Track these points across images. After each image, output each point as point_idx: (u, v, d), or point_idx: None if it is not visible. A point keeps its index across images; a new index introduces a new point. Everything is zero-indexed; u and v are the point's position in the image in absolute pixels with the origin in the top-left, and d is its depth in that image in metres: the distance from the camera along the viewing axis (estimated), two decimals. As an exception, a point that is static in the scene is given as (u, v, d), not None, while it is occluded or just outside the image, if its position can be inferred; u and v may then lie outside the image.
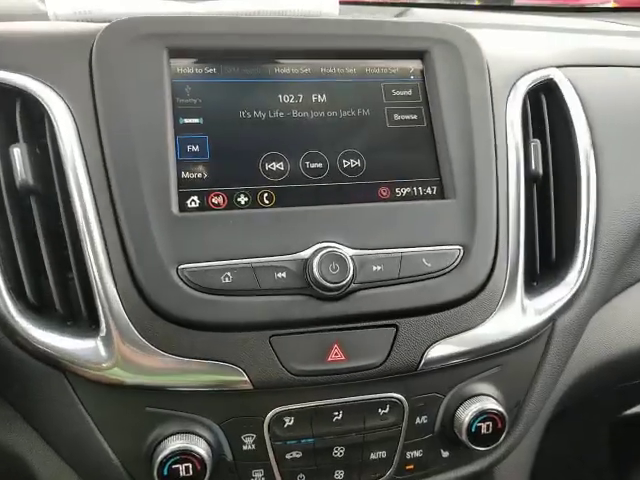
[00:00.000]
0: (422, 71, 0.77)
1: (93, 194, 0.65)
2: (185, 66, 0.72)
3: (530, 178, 0.78)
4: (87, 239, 0.64)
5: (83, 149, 0.66)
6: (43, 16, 0.93)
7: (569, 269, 0.77)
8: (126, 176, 0.65)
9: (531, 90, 0.82)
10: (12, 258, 0.65)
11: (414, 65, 0.78)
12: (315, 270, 0.64)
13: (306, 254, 0.66)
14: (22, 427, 0.70)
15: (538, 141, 0.80)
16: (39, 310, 0.65)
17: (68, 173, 0.65)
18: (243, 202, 0.69)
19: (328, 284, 0.64)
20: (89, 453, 0.66)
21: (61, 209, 0.66)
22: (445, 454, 0.74)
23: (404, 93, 0.77)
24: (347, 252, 0.66)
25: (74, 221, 0.65)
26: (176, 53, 0.71)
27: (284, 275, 0.65)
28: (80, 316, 0.65)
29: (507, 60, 0.83)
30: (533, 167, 0.78)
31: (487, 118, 0.77)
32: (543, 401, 0.80)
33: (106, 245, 0.64)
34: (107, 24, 0.70)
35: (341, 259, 0.65)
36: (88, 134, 0.66)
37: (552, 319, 0.76)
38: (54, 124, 0.66)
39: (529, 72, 0.83)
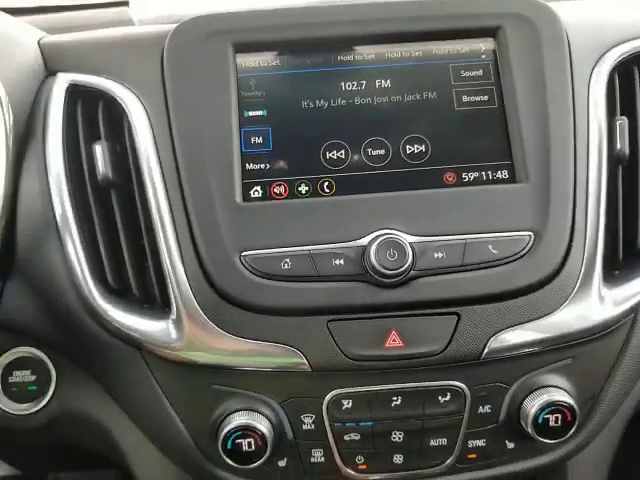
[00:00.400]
0: (494, 50, 0.75)
1: (165, 187, 0.70)
2: (250, 60, 0.75)
3: (615, 159, 0.73)
4: (160, 229, 0.69)
5: (156, 145, 0.71)
6: (131, 22, 1.01)
7: None
8: (194, 169, 0.70)
9: (621, 63, 0.76)
10: (95, 247, 0.71)
11: (486, 44, 0.75)
12: (372, 257, 0.65)
13: (364, 241, 0.66)
14: (106, 401, 0.76)
15: (625, 119, 0.74)
16: (119, 294, 0.71)
17: (143, 168, 0.71)
18: (304, 191, 0.71)
19: (385, 271, 0.65)
20: (162, 425, 0.72)
21: (137, 201, 0.71)
22: (510, 445, 0.72)
23: (474, 74, 0.75)
24: (406, 239, 0.66)
25: (148, 212, 0.70)
26: (241, 48, 0.74)
27: (342, 262, 0.66)
28: (154, 300, 0.70)
29: (593, 32, 0.78)
30: (619, 147, 0.73)
31: (565, 96, 0.73)
32: (622, 397, 0.75)
33: (177, 234, 0.68)
34: (176, 25, 0.75)
35: (399, 245, 0.65)
36: (161, 131, 0.71)
37: (633, 310, 0.71)
38: (131, 123, 0.72)
39: (620, 44, 0.77)
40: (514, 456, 0.73)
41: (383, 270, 0.65)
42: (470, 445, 0.71)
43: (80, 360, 0.75)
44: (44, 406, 0.76)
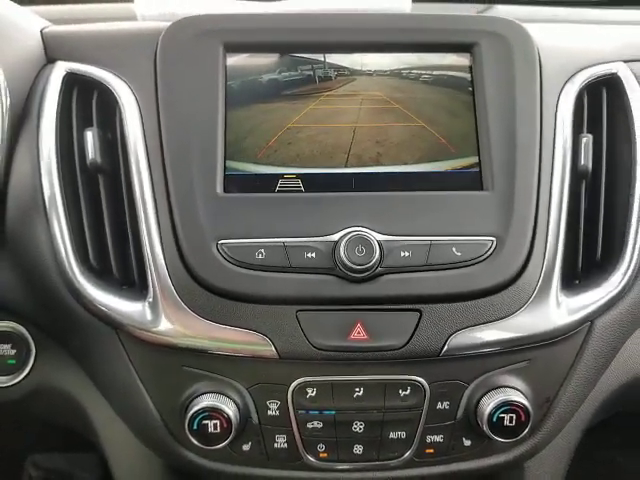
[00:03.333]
0: (469, 66, 0.79)
1: (150, 175, 0.73)
2: (239, 60, 0.78)
3: (579, 174, 0.77)
4: (142, 214, 0.72)
5: (145, 135, 0.74)
6: (135, 18, 1.05)
7: (614, 270, 0.74)
8: (179, 159, 0.73)
9: (590, 85, 0.80)
10: (80, 229, 0.74)
11: (462, 59, 0.79)
12: (342, 252, 0.68)
13: (335, 237, 0.70)
14: (82, 378, 0.79)
15: (590, 136, 0.77)
16: (100, 275, 0.74)
17: (131, 156, 0.74)
18: (281, 187, 0.74)
19: (354, 266, 0.68)
20: (134, 404, 0.75)
21: (123, 187, 0.74)
22: (467, 443, 0.75)
23: (449, 86, 0.79)
24: (375, 237, 0.69)
25: (133, 198, 0.73)
26: (231, 48, 0.78)
27: (313, 255, 0.69)
28: (133, 282, 0.74)
29: (565, 53, 0.82)
30: (582, 162, 0.76)
31: (534, 111, 0.76)
32: (578, 403, 0.78)
33: (158, 220, 0.72)
34: (171, 22, 0.78)
35: (368, 243, 0.68)
36: (150, 122, 0.75)
37: (588, 319, 0.74)
38: (122, 112, 0.75)
39: (590, 66, 0.81)
40: (471, 454, 0.76)
41: (352, 265, 0.68)
42: (428, 440, 0.74)
43: (59, 336, 0.78)
44: (22, 379, 0.79)
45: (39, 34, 0.84)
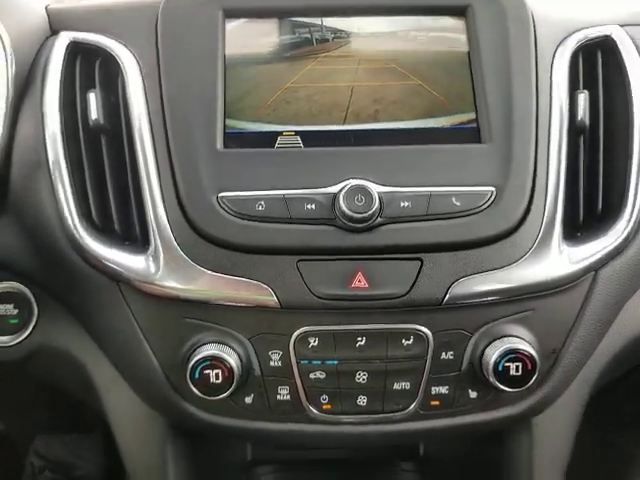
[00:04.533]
0: (463, 28, 0.80)
1: (152, 134, 0.74)
2: (238, 25, 0.80)
3: (577, 129, 0.77)
4: (144, 170, 0.73)
5: (147, 96, 0.76)
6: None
7: (616, 220, 0.74)
8: (180, 118, 0.74)
9: (585, 47, 0.81)
10: (83, 188, 0.75)
11: (456, 21, 0.80)
12: (342, 202, 0.68)
13: (335, 189, 0.70)
14: (84, 337, 0.79)
15: (586, 92, 0.78)
16: (102, 231, 0.74)
17: (132, 115, 0.75)
18: (280, 143, 0.75)
19: (353, 214, 0.68)
20: (135, 358, 0.74)
21: (125, 145, 0.76)
22: (473, 394, 0.74)
23: (444, 47, 0.80)
24: (375, 188, 0.69)
25: (134, 155, 0.74)
26: (230, 13, 0.79)
27: (313, 207, 0.70)
28: (135, 237, 0.74)
29: (559, 16, 0.84)
30: (579, 117, 0.77)
31: (529, 70, 0.77)
32: (585, 355, 0.77)
33: (159, 176, 0.72)
34: None
35: (367, 192, 0.68)
36: (151, 83, 0.76)
37: (591, 269, 0.74)
38: (125, 75, 0.77)
39: (583, 29, 0.82)
40: (477, 406, 0.74)
41: (351, 214, 0.68)
42: (433, 391, 0.73)
43: (61, 294, 0.78)
44: (24, 339, 0.80)
45: (44, 10, 0.86)
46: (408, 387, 0.72)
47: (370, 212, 0.68)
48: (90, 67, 0.79)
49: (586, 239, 0.74)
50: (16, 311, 0.79)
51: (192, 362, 0.69)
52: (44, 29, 0.83)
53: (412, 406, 0.73)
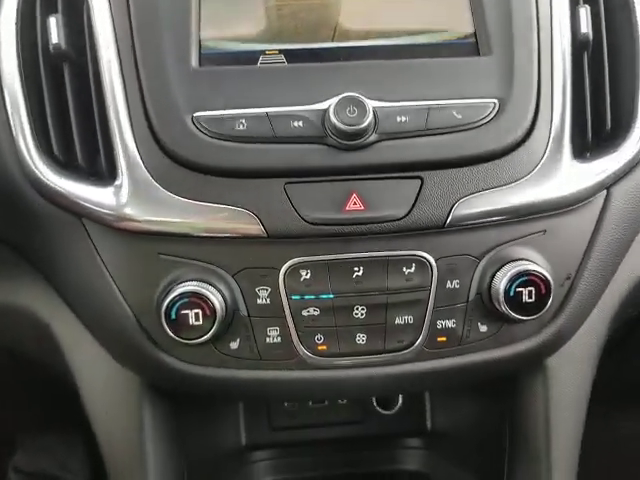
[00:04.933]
0: None
1: (119, 57, 0.67)
2: None
3: (580, 44, 0.72)
4: (110, 95, 0.66)
5: (113, 17, 0.68)
6: None
7: (626, 136, 0.69)
8: (149, 37, 0.67)
9: None
10: (43, 120, 0.67)
11: None
12: (332, 114, 0.61)
13: (324, 105, 0.63)
14: (46, 292, 0.72)
15: (587, 7, 0.73)
16: (65, 167, 0.66)
17: (98, 38, 0.68)
18: (264, 61, 0.68)
19: (346, 128, 0.61)
20: (104, 307, 0.67)
21: (89, 68, 0.68)
22: (483, 328, 0.67)
23: None
24: (369, 102, 0.63)
25: (99, 82, 0.67)
26: None
27: (301, 124, 0.63)
28: (101, 172, 0.66)
29: None
30: (583, 32, 0.71)
31: None
32: (601, 282, 0.71)
33: (127, 100, 0.65)
34: None
35: (360, 103, 0.62)
36: (118, 4, 0.69)
37: (603, 185, 0.68)
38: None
39: None
40: (487, 342, 0.68)
41: (343, 127, 0.61)
42: (439, 326, 0.66)
43: (20, 240, 0.71)
44: None
45: None
46: (411, 321, 0.65)
47: (364, 125, 0.61)
48: None
49: (596, 156, 0.69)
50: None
51: (168, 299, 0.62)
52: None
53: (417, 343, 0.66)
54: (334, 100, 0.62)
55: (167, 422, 0.78)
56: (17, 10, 0.69)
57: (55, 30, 0.68)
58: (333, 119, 0.61)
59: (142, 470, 0.75)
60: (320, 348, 0.65)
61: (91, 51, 0.69)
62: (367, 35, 0.70)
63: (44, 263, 0.71)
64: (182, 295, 0.62)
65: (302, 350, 0.65)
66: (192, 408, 0.91)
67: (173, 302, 0.62)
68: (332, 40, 0.70)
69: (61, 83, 0.69)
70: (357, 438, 1.08)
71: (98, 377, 0.75)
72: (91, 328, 0.71)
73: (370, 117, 0.61)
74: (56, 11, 0.70)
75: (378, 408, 1.09)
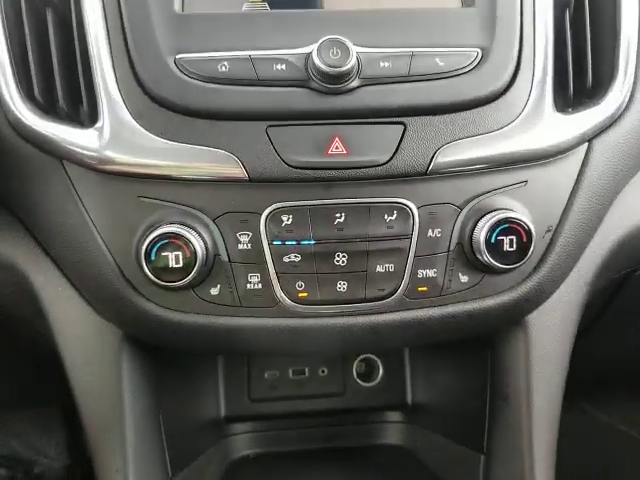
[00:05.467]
0: None
1: (102, 2, 0.66)
2: None
3: (562, 3, 0.72)
4: (93, 38, 0.65)
5: None
6: None
7: (606, 92, 0.70)
8: None
9: None
10: (24, 63, 0.66)
11: None
12: (315, 57, 0.61)
13: (308, 49, 0.63)
14: (26, 243, 0.71)
15: None
16: (46, 112, 0.65)
17: None
18: (247, 7, 0.68)
19: (328, 69, 0.61)
20: (84, 251, 0.66)
21: (72, 13, 0.67)
22: (464, 279, 0.67)
23: None
24: (353, 47, 0.62)
25: (82, 24, 0.66)
26: None
27: (284, 67, 0.63)
28: (83, 117, 0.65)
29: None
30: None
31: None
32: (582, 236, 0.71)
33: (110, 43, 0.65)
34: None
35: (343, 46, 0.61)
36: None
37: (584, 139, 0.69)
38: None
39: None
40: (468, 292, 0.68)
41: (326, 69, 0.61)
42: (420, 275, 0.66)
43: None
44: None
45: None
46: (392, 269, 0.65)
47: (347, 67, 0.61)
48: None
49: (579, 109, 0.69)
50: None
51: (147, 240, 0.61)
52: None
53: (397, 292, 0.66)
54: (317, 44, 0.62)
55: (146, 376, 0.76)
56: None
57: None
58: (316, 61, 0.61)
59: (120, 423, 0.73)
60: (300, 295, 0.65)
61: None
62: None
63: (23, 208, 0.70)
64: (162, 236, 0.61)
65: (282, 297, 0.65)
66: (172, 376, 0.89)
67: (153, 243, 0.61)
68: None
69: (43, 27, 0.68)
70: (337, 411, 1.07)
71: (77, 329, 0.73)
72: (70, 275, 0.70)
73: (353, 60, 0.61)
74: None
75: (358, 380, 1.09)
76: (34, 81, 0.66)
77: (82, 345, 0.74)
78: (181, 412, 0.93)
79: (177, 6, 0.66)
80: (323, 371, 1.07)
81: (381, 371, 1.08)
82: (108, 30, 0.65)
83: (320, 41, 0.62)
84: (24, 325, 0.80)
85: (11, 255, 0.71)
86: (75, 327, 0.73)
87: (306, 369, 1.07)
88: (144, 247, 0.61)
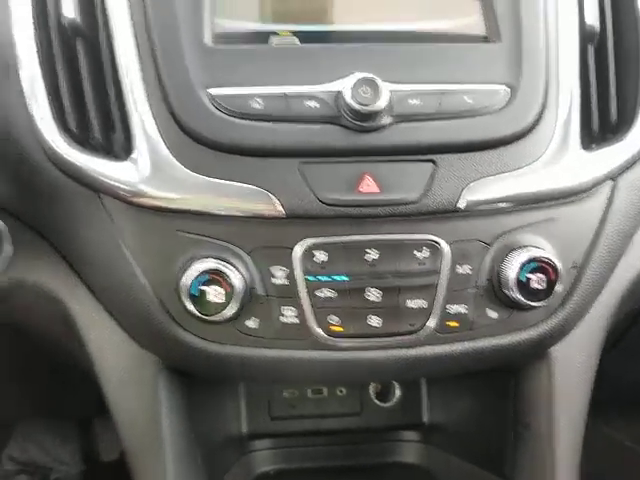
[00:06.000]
0: None
1: (134, 31, 0.67)
2: None
3: (586, 36, 0.74)
4: (125, 70, 0.66)
5: None
6: None
7: (631, 127, 0.71)
8: (163, 15, 0.67)
9: None
10: (57, 94, 0.67)
11: None
12: (347, 95, 0.62)
13: (339, 85, 0.64)
14: (63, 271, 0.72)
15: None
16: (81, 143, 0.66)
17: (112, 13, 0.68)
18: (277, 39, 0.69)
19: (360, 107, 0.62)
20: (122, 283, 0.67)
21: (103, 45, 0.68)
22: (492, 314, 0.68)
23: None
24: (383, 84, 0.63)
25: (114, 57, 0.67)
26: None
27: (316, 104, 0.64)
28: (118, 148, 0.67)
29: None
30: (588, 23, 0.73)
31: None
32: (607, 271, 0.72)
33: (143, 74, 0.66)
34: None
35: (374, 84, 0.62)
36: None
37: (610, 176, 0.70)
38: None
39: None
40: (497, 328, 0.69)
41: (358, 107, 0.62)
42: (450, 310, 0.67)
43: (37, 216, 0.71)
44: None
45: None
46: (425, 305, 0.67)
47: (378, 104, 0.62)
48: None
49: (603, 146, 0.71)
50: (-10, 247, 0.71)
51: (189, 278, 0.62)
52: None
53: (428, 327, 0.67)
54: (349, 81, 0.63)
55: (181, 399, 0.78)
56: None
57: (70, 5, 0.68)
58: (348, 99, 0.62)
59: (159, 444, 0.75)
60: (334, 329, 0.66)
61: (104, 27, 0.69)
62: (379, 18, 0.72)
63: (62, 240, 0.71)
64: (203, 272, 0.62)
65: (316, 330, 0.66)
66: (198, 394, 0.91)
67: (194, 278, 0.62)
68: (343, 22, 0.72)
69: (75, 57, 0.69)
70: (354, 430, 1.09)
71: (115, 355, 0.75)
72: (108, 306, 0.72)
73: (385, 98, 0.63)
74: None
75: (376, 400, 1.10)
76: (68, 114, 0.67)
77: (119, 369, 0.76)
78: (207, 429, 0.95)
79: (207, 39, 0.68)
80: (341, 391, 1.08)
81: (397, 392, 1.09)
82: (141, 63, 0.66)
83: (352, 79, 0.63)
84: (56, 346, 0.82)
85: (48, 282, 0.73)
86: (113, 354, 0.75)
87: (324, 389, 1.09)
88: (186, 281, 0.63)
